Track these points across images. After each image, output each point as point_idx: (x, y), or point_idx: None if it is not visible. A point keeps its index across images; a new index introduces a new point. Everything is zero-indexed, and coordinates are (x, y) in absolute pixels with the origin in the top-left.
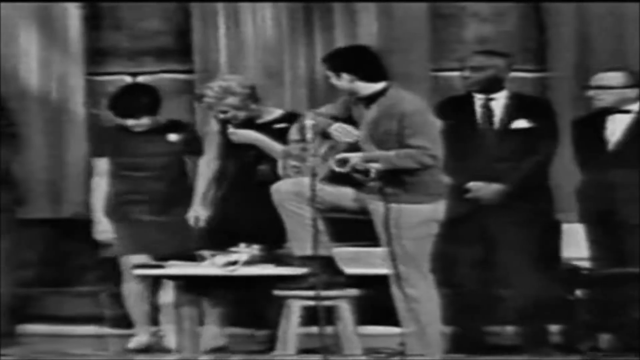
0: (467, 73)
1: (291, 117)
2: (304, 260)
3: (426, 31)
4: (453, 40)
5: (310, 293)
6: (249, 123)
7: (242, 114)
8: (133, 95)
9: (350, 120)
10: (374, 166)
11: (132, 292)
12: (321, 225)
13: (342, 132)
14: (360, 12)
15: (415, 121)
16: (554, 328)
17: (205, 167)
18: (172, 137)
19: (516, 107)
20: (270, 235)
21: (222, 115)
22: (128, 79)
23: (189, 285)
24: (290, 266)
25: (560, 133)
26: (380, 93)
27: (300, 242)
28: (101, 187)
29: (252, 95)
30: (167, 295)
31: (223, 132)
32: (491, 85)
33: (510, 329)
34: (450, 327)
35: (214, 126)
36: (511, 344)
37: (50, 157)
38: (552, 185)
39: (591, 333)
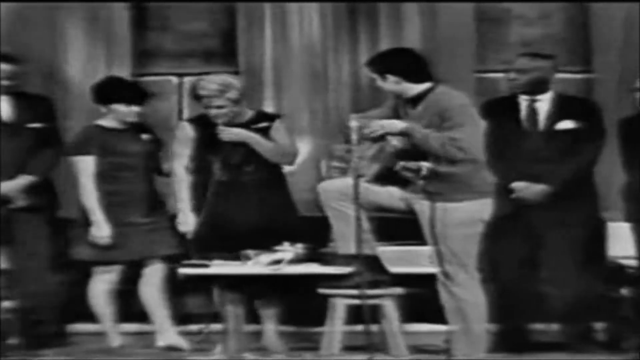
0: (512, 75)
1: (265, 117)
2: (349, 259)
3: (471, 33)
4: (498, 43)
5: (355, 292)
6: (229, 124)
7: (236, 110)
8: (126, 85)
9: None
10: (425, 165)
11: (100, 292)
12: (366, 225)
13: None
14: (405, 15)
15: (454, 115)
16: (598, 326)
17: (184, 172)
18: (144, 136)
19: (561, 108)
20: (265, 234)
21: (215, 111)
22: (174, 80)
23: (232, 284)
24: (334, 265)
25: (606, 133)
26: (426, 93)
27: (345, 241)
28: (93, 187)
29: (243, 93)
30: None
31: (205, 134)
32: (536, 87)
33: (555, 326)
34: (495, 325)
35: (188, 130)
36: (556, 341)
37: None
38: (598, 184)
39: (636, 331)
